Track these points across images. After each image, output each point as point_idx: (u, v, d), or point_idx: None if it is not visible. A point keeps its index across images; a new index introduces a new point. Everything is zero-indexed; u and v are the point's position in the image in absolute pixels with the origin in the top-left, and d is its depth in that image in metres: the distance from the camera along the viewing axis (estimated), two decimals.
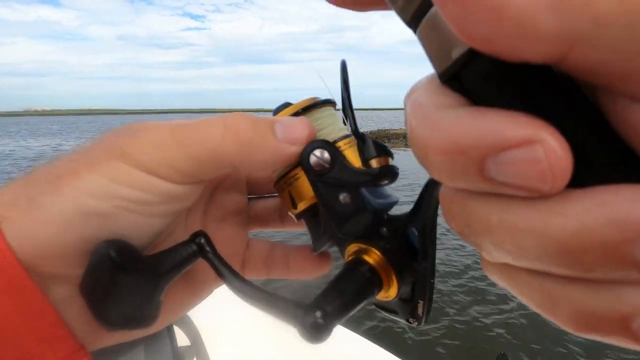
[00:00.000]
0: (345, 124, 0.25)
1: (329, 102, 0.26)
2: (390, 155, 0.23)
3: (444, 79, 0.11)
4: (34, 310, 0.18)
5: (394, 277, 0.23)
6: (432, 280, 0.23)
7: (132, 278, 0.20)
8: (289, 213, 0.26)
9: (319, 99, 0.25)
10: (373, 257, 0.24)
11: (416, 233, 0.23)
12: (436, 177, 0.12)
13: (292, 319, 0.21)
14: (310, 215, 0.25)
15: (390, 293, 0.24)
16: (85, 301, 0.20)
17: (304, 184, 0.24)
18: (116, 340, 0.23)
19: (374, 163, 0.23)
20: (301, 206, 0.24)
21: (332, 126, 0.25)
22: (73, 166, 0.20)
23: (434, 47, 0.11)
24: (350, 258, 0.25)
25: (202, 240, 0.23)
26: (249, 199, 0.29)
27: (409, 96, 0.13)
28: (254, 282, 0.23)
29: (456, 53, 0.10)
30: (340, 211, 0.23)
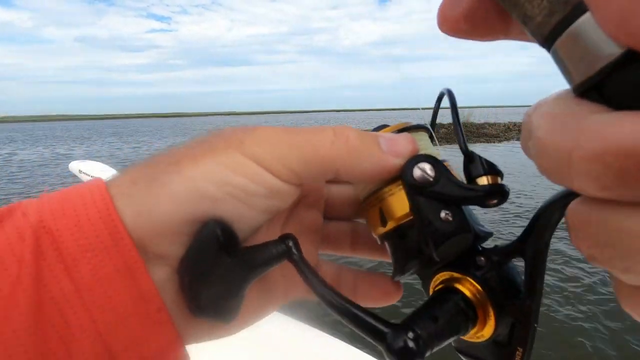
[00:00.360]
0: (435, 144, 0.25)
1: (423, 127, 0.26)
2: (501, 174, 0.22)
3: (583, 89, 0.12)
4: (143, 294, 0.19)
5: (491, 314, 0.21)
6: (535, 324, 0.20)
7: (230, 262, 0.20)
8: (373, 234, 0.25)
9: (413, 123, 0.25)
10: (468, 287, 0.21)
11: (515, 268, 0.21)
12: (580, 187, 0.11)
13: (378, 338, 0.19)
14: (397, 236, 0.23)
15: (484, 332, 0.21)
16: (180, 280, 0.20)
17: (399, 200, 0.22)
18: (194, 339, 0.23)
19: (483, 181, 0.21)
20: (391, 224, 0.23)
21: (429, 149, 0.24)
22: (193, 153, 0.21)
23: (574, 59, 0.12)
24: (439, 287, 0.23)
25: (291, 243, 0.23)
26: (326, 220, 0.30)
27: (534, 110, 0.13)
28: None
29: (602, 62, 0.11)
30: (440, 228, 0.21)
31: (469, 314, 0.21)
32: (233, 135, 0.22)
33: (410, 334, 0.19)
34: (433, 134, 0.26)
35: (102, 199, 0.20)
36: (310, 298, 0.28)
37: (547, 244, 0.19)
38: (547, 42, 0.13)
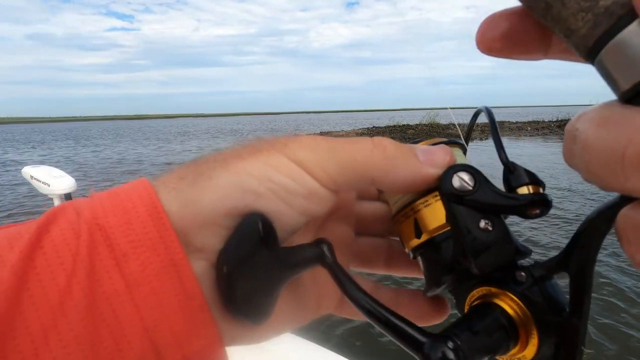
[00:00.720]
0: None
1: (457, 143, 0.26)
2: (542, 185, 0.21)
3: (630, 95, 0.12)
4: (187, 292, 0.20)
5: (534, 332, 0.20)
6: (583, 346, 0.19)
7: (268, 256, 0.20)
8: (406, 248, 0.24)
9: (450, 139, 0.25)
10: (508, 302, 0.20)
11: (558, 285, 0.20)
12: (634, 187, 0.11)
13: (415, 347, 0.18)
14: (431, 249, 0.23)
15: (526, 353, 0.20)
16: (217, 273, 0.20)
17: (436, 211, 0.22)
18: (227, 340, 0.22)
19: (524, 191, 0.20)
20: (426, 235, 0.22)
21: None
22: (239, 153, 0.23)
23: (620, 67, 0.12)
24: (476, 302, 0.22)
25: (325, 247, 0.22)
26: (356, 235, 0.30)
27: (578, 118, 0.13)
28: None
29: None
30: (479, 237, 0.20)
31: (509, 331, 0.20)
32: (278, 140, 0.23)
33: (450, 344, 0.18)
34: (467, 149, 0.26)
35: (149, 196, 0.21)
36: (338, 313, 0.29)
37: (594, 258, 0.18)
38: (591, 53, 0.13)
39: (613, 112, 0.12)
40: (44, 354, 0.17)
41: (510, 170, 0.21)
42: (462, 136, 0.26)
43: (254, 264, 0.20)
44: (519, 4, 0.16)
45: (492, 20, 0.17)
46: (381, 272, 0.30)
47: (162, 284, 0.19)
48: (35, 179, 2.78)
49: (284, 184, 0.22)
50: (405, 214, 0.24)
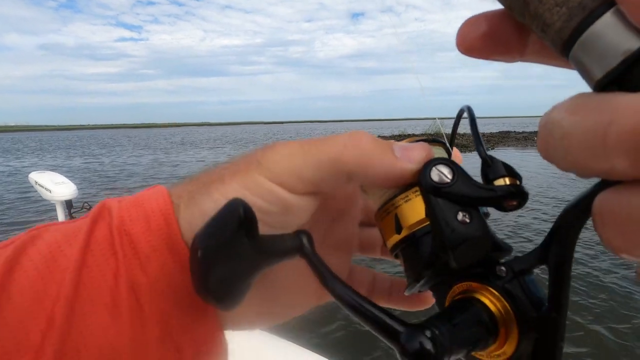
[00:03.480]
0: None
1: (439, 142, 0.26)
2: (519, 177, 0.21)
3: (604, 84, 0.13)
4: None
5: (515, 329, 0.19)
6: (562, 342, 0.18)
7: (246, 243, 0.20)
8: (387, 245, 0.24)
9: (432, 138, 0.25)
10: (488, 297, 0.20)
11: (537, 280, 0.20)
12: (617, 167, 0.11)
13: (392, 337, 0.18)
14: (411, 244, 0.22)
15: (505, 349, 0.20)
16: (191, 255, 0.21)
17: (415, 205, 0.22)
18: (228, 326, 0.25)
19: (501, 182, 0.20)
20: (406, 231, 0.22)
21: None
22: (222, 174, 0.24)
23: (594, 57, 0.13)
24: (457, 298, 0.21)
25: (305, 238, 0.22)
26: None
27: (551, 111, 0.14)
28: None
29: (623, 55, 0.12)
30: (457, 230, 0.20)
31: (489, 326, 0.19)
32: (253, 157, 0.24)
33: (428, 333, 0.18)
34: (450, 149, 0.26)
35: (166, 207, 0.23)
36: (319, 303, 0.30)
37: (572, 250, 0.18)
38: (567, 45, 0.14)
39: (589, 98, 0.13)
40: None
41: (488, 164, 0.21)
42: (447, 141, 0.27)
43: (230, 250, 0.20)
44: (498, 6, 0.16)
45: (473, 22, 0.17)
46: (377, 256, 0.31)
47: (176, 281, 0.22)
48: (39, 184, 2.82)
49: (258, 206, 0.22)
50: (386, 210, 0.24)
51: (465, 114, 0.25)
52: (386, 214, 0.24)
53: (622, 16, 0.13)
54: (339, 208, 0.29)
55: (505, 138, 18.84)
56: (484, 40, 0.17)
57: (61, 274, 0.21)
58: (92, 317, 0.20)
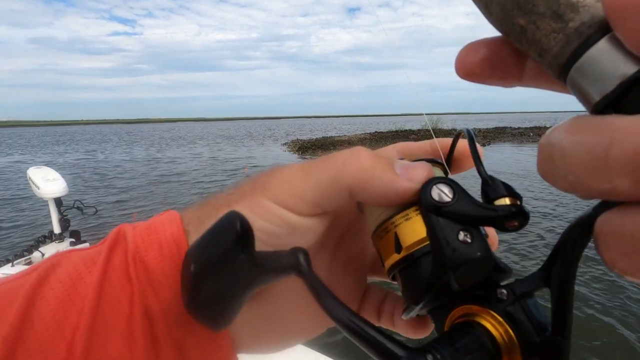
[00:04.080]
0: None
1: (437, 162, 0.25)
2: (520, 198, 0.20)
3: (601, 106, 0.13)
4: None
5: (518, 355, 0.19)
6: None
7: (242, 258, 0.19)
8: (385, 265, 0.23)
9: (431, 159, 0.25)
10: (491, 322, 0.20)
11: (539, 303, 0.20)
12: (619, 189, 0.11)
13: None
14: (410, 265, 0.22)
15: None
16: (184, 271, 0.21)
17: (415, 224, 0.22)
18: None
19: (502, 202, 0.20)
20: (406, 251, 0.22)
21: None
22: (229, 199, 0.25)
23: (591, 80, 0.14)
24: (457, 321, 0.21)
25: (301, 256, 0.22)
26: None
27: (551, 132, 0.14)
28: None
29: (619, 79, 0.13)
30: (458, 250, 0.19)
31: (492, 352, 0.19)
32: (258, 180, 0.25)
33: (430, 358, 0.17)
34: (447, 170, 0.26)
35: (178, 233, 0.24)
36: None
37: (574, 271, 0.17)
38: (564, 69, 0.14)
39: (588, 120, 0.13)
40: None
41: (488, 183, 0.21)
42: (439, 146, 0.27)
43: (225, 265, 0.19)
44: (496, 33, 0.17)
45: (472, 47, 0.18)
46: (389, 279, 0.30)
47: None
48: (31, 180, 2.79)
49: (266, 229, 0.23)
50: (385, 228, 0.23)
51: (463, 130, 0.25)
52: (385, 233, 0.23)
53: (617, 42, 0.13)
54: (347, 223, 0.29)
55: (501, 134, 18.89)
56: (483, 65, 0.18)
57: (81, 301, 0.21)
58: (109, 345, 0.21)
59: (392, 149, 0.29)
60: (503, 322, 0.19)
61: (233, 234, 0.19)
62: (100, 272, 0.22)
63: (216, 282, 0.19)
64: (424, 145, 0.29)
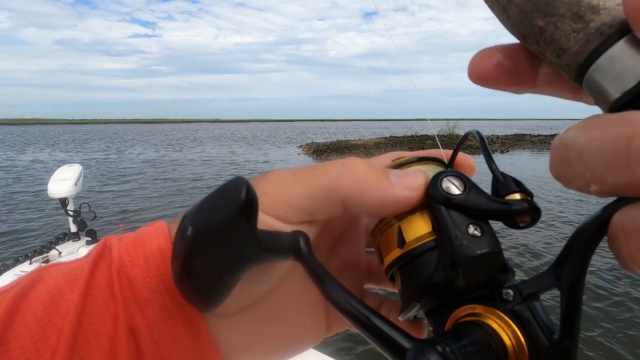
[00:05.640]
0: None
1: (440, 161, 0.25)
2: (531, 194, 0.20)
3: (620, 104, 0.14)
4: (195, 328, 0.22)
5: (527, 356, 0.18)
6: None
7: (243, 230, 0.18)
8: (384, 262, 0.22)
9: (427, 156, 0.25)
10: (497, 322, 0.18)
11: (544, 307, 0.19)
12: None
13: (397, 354, 0.17)
14: (413, 261, 0.21)
15: None
16: (178, 235, 0.19)
17: (421, 218, 0.21)
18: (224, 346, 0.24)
19: (514, 197, 0.19)
20: (410, 245, 0.21)
21: None
22: None
23: (610, 79, 0.14)
24: (461, 322, 0.20)
25: (302, 240, 0.21)
26: (370, 252, 0.30)
27: (565, 131, 0.14)
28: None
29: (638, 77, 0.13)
30: (467, 244, 0.18)
31: (499, 354, 0.18)
32: None
33: (439, 348, 0.16)
34: (449, 168, 0.25)
35: (166, 245, 0.23)
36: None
37: (584, 272, 0.17)
38: (582, 69, 0.15)
39: (607, 117, 0.13)
40: None
41: (499, 180, 0.20)
42: (443, 146, 0.26)
43: (227, 233, 0.17)
44: (513, 40, 0.17)
45: (486, 53, 0.18)
46: (390, 288, 0.29)
47: (175, 323, 0.22)
48: (52, 178, 2.85)
49: None
50: (388, 222, 0.22)
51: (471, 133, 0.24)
52: (387, 227, 0.22)
53: (637, 42, 0.13)
54: (340, 230, 0.29)
55: (520, 141, 18.55)
56: (496, 70, 0.18)
57: (61, 320, 0.20)
58: None
59: (385, 158, 0.28)
60: (511, 323, 0.18)
61: (238, 202, 0.17)
62: (83, 289, 0.21)
63: (213, 251, 0.18)
64: (419, 155, 0.28)
